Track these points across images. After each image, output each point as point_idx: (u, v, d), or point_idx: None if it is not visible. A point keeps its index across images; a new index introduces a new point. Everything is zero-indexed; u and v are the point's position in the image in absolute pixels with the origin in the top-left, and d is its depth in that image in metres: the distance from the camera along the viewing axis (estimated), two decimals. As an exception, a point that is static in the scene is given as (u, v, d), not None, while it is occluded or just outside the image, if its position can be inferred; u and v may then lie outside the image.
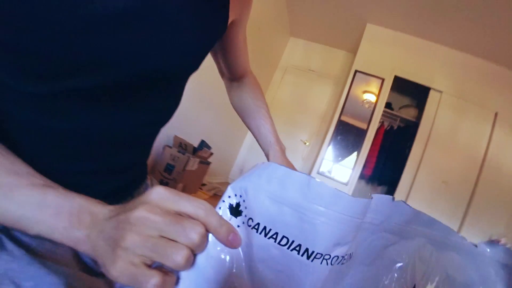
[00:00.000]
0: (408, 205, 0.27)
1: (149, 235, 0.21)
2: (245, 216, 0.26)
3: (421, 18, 2.66)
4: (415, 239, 0.28)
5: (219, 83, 0.71)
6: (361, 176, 3.08)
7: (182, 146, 2.04)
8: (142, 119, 0.39)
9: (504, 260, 0.29)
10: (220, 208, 0.28)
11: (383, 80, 2.88)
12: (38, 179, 0.26)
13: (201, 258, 0.25)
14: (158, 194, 0.23)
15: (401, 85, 3.00)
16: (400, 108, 3.25)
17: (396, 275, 0.27)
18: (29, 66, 0.26)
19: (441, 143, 2.75)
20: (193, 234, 0.22)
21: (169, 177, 1.90)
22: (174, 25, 0.33)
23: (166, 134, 2.08)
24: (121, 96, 0.34)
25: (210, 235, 0.24)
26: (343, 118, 2.95)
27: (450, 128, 2.78)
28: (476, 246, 0.30)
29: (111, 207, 0.24)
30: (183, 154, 1.91)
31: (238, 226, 0.27)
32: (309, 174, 2.75)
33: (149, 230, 0.21)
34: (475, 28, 2.50)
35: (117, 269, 0.21)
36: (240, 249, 0.27)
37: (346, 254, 0.25)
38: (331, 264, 0.24)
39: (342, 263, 0.25)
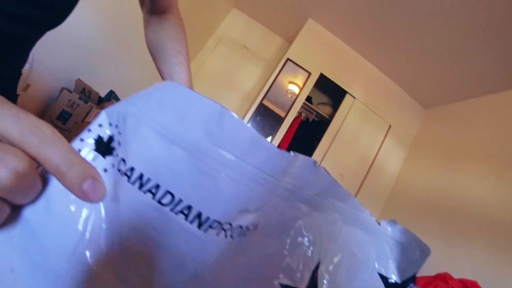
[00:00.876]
0: (328, 173, 0.23)
1: None
2: (117, 156, 0.17)
3: (359, 32, 2.92)
4: (327, 212, 0.24)
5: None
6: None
7: (85, 92, 1.70)
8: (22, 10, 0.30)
9: (400, 238, 0.28)
10: (82, 140, 0.18)
11: (309, 74, 3.05)
12: None
13: (31, 213, 0.16)
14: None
15: (324, 83, 3.24)
16: (318, 104, 3.53)
17: (302, 251, 0.23)
18: None
19: (344, 142, 3.13)
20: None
21: (63, 126, 1.58)
22: None
23: (67, 75, 1.69)
24: None
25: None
26: (265, 102, 3.02)
27: (354, 130, 3.19)
28: (379, 224, 0.28)
29: None
30: (85, 102, 1.60)
31: (106, 170, 0.18)
32: None
33: None
34: (398, 57, 2.96)
35: None
36: (102, 204, 0.18)
37: (252, 225, 0.19)
38: (231, 237, 0.18)
39: (245, 235, 0.19)
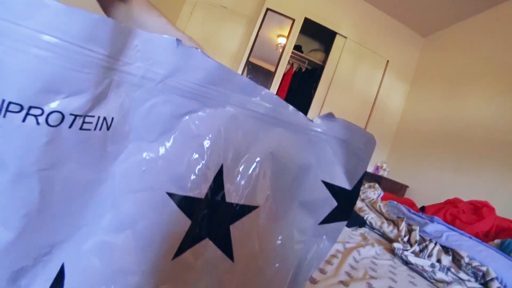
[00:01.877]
0: (207, 56, 0.18)
1: None
2: None
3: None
4: (225, 108, 0.19)
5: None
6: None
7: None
8: None
9: (341, 135, 0.24)
10: None
11: (293, 20, 2.85)
12: None
13: None
14: None
15: (310, 28, 3.03)
16: (310, 51, 3.35)
17: (196, 155, 0.18)
18: None
19: (341, 86, 3.01)
20: None
21: None
22: None
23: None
24: None
25: None
26: (252, 59, 2.89)
27: (350, 72, 3.04)
28: (312, 121, 0.24)
29: None
30: None
31: None
32: None
33: None
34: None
35: None
36: None
37: (90, 116, 0.15)
38: (54, 125, 0.14)
39: (90, 129, 0.15)
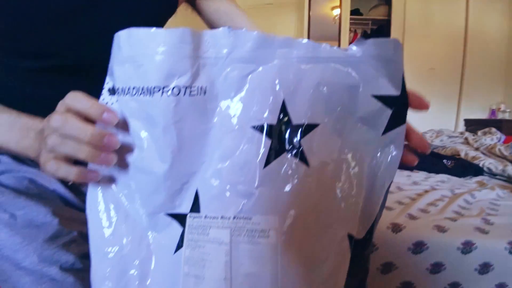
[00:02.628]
0: (250, 32, 0.25)
1: (62, 135, 0.24)
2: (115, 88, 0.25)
3: None
4: (274, 62, 0.26)
5: None
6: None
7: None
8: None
9: (375, 51, 0.27)
10: (103, 99, 0.27)
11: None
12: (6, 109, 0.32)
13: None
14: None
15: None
16: (370, 10, 3.06)
17: (265, 96, 0.26)
18: (23, 49, 0.36)
19: (417, 33, 2.63)
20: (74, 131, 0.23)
21: None
22: (124, 9, 0.40)
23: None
24: (94, 70, 0.34)
25: None
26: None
27: (423, 14, 2.63)
28: (347, 49, 0.28)
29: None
30: None
31: (117, 100, 0.26)
32: None
33: (57, 132, 0.24)
34: None
35: (48, 167, 0.25)
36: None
37: (193, 87, 0.24)
38: (176, 95, 0.23)
39: (195, 95, 0.24)
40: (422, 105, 0.28)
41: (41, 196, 0.38)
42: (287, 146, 0.24)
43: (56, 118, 0.24)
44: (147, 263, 0.25)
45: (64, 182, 0.43)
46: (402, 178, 0.87)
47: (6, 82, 0.34)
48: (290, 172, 0.24)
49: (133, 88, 0.24)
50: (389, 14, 2.78)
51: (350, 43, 2.82)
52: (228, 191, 0.24)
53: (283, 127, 0.24)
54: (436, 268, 0.46)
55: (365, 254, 0.28)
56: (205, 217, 0.24)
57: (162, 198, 0.25)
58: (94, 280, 0.26)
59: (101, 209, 0.26)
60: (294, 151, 0.24)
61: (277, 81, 0.26)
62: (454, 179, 0.95)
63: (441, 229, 0.47)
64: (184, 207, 0.25)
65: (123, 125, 0.25)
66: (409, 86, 0.28)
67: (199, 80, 0.24)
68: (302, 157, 0.24)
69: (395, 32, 2.67)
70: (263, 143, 0.24)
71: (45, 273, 0.32)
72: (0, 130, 0.31)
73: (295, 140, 0.24)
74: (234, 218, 0.22)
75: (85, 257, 0.37)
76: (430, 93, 2.65)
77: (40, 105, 0.33)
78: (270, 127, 0.24)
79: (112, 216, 0.26)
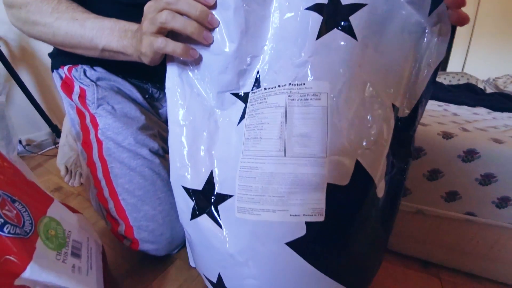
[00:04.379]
0: None
1: (174, 10, 0.27)
2: None
3: None
4: None
5: None
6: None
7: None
8: None
9: None
10: None
11: None
12: (99, 16, 0.38)
13: None
14: None
15: None
16: None
17: None
18: None
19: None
20: (186, 6, 0.27)
21: None
22: None
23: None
24: None
25: None
26: None
27: None
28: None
29: None
30: None
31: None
32: None
33: (170, 7, 0.28)
34: None
35: (156, 44, 0.29)
36: None
37: None
38: None
39: None
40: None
41: (124, 96, 0.47)
42: (337, 22, 0.25)
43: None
44: (214, 134, 0.30)
45: (142, 92, 0.51)
46: (461, 109, 0.80)
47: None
48: (339, 44, 0.25)
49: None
50: None
51: None
52: (284, 65, 0.27)
53: (334, 6, 0.25)
54: (487, 179, 0.45)
55: (409, 134, 0.30)
56: (264, 89, 0.27)
57: (229, 77, 0.29)
58: (172, 147, 0.32)
59: (179, 90, 0.31)
60: (343, 26, 0.25)
61: None
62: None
63: (497, 140, 0.45)
64: (246, 87, 0.29)
65: None
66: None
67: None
68: (350, 31, 0.25)
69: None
70: (316, 19, 0.26)
71: (138, 152, 0.42)
72: (104, 32, 0.37)
73: (344, 17, 0.25)
74: (289, 84, 0.25)
75: (164, 149, 0.46)
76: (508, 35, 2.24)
77: None
78: (322, 5, 0.26)
79: (187, 96, 0.31)
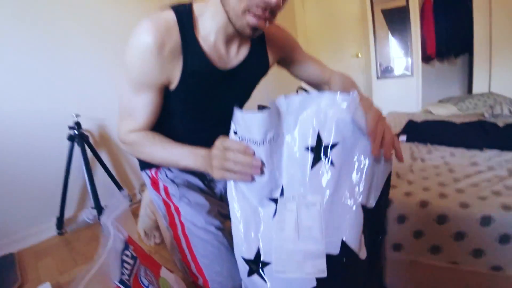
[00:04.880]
0: (296, 96, 0.46)
1: (233, 161, 0.44)
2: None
3: None
4: (312, 108, 0.46)
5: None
6: (427, 59, 2.81)
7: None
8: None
9: (352, 103, 0.44)
10: (231, 136, 0.53)
11: None
12: (184, 145, 0.57)
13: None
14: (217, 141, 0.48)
15: None
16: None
17: (306, 130, 0.47)
18: (201, 118, 0.67)
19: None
20: (241, 159, 0.44)
21: None
22: (246, 82, 0.71)
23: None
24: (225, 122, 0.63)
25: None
26: (381, 5, 2.72)
27: None
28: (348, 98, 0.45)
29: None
30: None
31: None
32: (372, 81, 2.84)
33: (231, 161, 0.44)
34: None
35: (214, 173, 0.47)
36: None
37: (275, 135, 0.44)
38: (268, 143, 0.43)
39: (275, 140, 0.44)
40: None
41: (192, 187, 0.70)
42: (322, 157, 0.45)
43: (229, 154, 0.44)
44: (259, 224, 0.49)
45: (202, 179, 0.74)
46: (463, 159, 0.86)
47: (175, 134, 0.61)
48: (325, 170, 0.44)
49: (246, 139, 0.44)
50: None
51: (422, 10, 2.60)
52: (295, 184, 0.46)
53: (319, 146, 0.45)
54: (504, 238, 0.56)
55: (379, 218, 0.46)
56: (286, 197, 0.46)
57: (265, 192, 0.47)
58: (234, 232, 0.51)
59: (234, 195, 0.50)
60: (326, 159, 0.44)
61: (314, 120, 0.45)
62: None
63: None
64: (276, 195, 0.47)
65: None
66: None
67: (278, 130, 0.46)
68: (331, 162, 0.44)
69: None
70: (310, 156, 0.45)
71: (208, 229, 0.63)
72: (184, 157, 0.56)
73: (326, 153, 0.44)
74: (298, 197, 0.45)
75: (222, 222, 0.67)
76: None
77: (196, 142, 0.59)
78: (312, 147, 0.45)
79: (240, 199, 0.50)
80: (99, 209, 1.57)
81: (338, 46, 3.68)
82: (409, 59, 2.73)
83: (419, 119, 1.76)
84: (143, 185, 1.99)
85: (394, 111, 2.18)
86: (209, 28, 0.58)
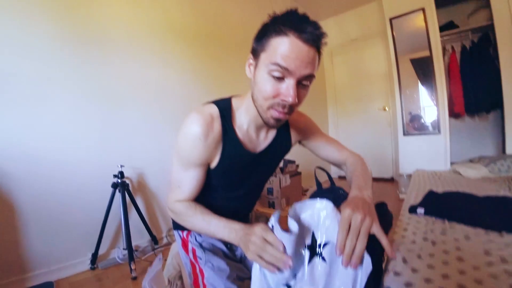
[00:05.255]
0: (298, 203, 0.57)
1: (258, 246, 0.53)
2: None
3: None
4: (308, 212, 0.56)
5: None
6: (455, 116, 2.79)
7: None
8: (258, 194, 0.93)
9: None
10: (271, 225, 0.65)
11: (423, 10, 2.59)
12: (221, 218, 0.68)
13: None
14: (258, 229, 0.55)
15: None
16: (468, 17, 2.77)
17: (304, 231, 0.56)
18: (232, 188, 0.80)
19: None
20: (272, 251, 0.51)
21: (272, 197, 2.31)
22: (271, 161, 0.84)
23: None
24: (254, 194, 0.79)
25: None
26: (410, 56, 2.78)
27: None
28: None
29: (246, 228, 0.59)
30: (275, 176, 2.29)
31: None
32: (398, 136, 2.92)
33: (258, 244, 0.53)
34: None
35: (248, 254, 0.54)
36: None
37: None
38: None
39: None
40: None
41: (216, 252, 0.80)
42: (316, 253, 0.53)
43: (268, 247, 0.51)
44: None
45: (225, 244, 0.85)
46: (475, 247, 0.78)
47: (213, 200, 0.76)
48: (318, 264, 0.52)
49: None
50: (490, 17, 2.47)
51: (449, 63, 2.66)
52: (299, 276, 0.54)
53: (314, 244, 0.53)
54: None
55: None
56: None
57: (284, 280, 0.54)
58: None
59: (258, 275, 0.57)
60: (319, 255, 0.52)
61: (309, 223, 0.55)
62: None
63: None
64: (292, 282, 0.55)
65: None
66: None
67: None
68: (323, 258, 0.52)
69: (501, 37, 2.34)
70: (307, 253, 0.53)
71: None
72: (220, 229, 0.65)
73: (319, 250, 0.53)
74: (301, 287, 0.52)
75: (241, 287, 0.74)
76: None
77: (229, 207, 0.73)
78: (309, 246, 0.54)
79: (262, 279, 0.57)
80: (130, 249, 1.70)
81: (365, 98, 3.80)
82: (435, 114, 2.70)
83: (446, 179, 1.72)
84: (170, 230, 2.13)
85: (421, 169, 2.15)
86: (244, 119, 0.73)
